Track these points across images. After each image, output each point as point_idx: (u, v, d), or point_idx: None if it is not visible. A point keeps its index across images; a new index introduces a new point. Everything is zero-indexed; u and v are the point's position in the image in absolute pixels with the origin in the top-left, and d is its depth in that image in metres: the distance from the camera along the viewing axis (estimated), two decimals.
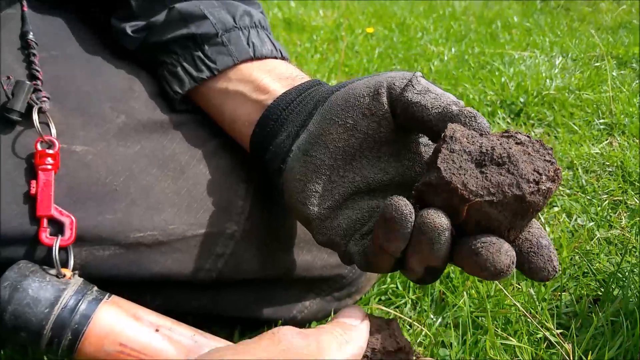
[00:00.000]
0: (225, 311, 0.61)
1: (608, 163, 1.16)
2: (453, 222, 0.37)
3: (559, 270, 0.37)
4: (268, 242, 0.58)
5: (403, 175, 0.46)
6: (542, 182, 0.35)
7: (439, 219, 0.36)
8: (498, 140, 0.37)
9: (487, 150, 0.36)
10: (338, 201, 0.46)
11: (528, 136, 0.38)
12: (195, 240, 0.54)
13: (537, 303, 0.72)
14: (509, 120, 1.43)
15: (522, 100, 1.51)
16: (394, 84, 0.43)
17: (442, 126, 0.40)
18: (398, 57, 1.94)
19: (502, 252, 0.35)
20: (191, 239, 0.53)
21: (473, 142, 0.37)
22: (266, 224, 0.58)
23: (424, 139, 0.47)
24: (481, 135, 0.38)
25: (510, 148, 0.36)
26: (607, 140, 1.32)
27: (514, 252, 0.36)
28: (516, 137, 0.38)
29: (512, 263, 0.36)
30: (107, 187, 0.51)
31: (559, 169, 0.35)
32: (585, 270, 0.80)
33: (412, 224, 0.37)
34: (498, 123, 1.40)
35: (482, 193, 0.35)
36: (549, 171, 0.35)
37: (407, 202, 0.37)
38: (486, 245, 0.35)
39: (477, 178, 0.35)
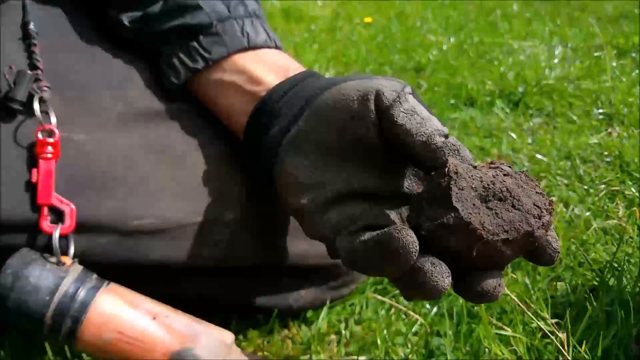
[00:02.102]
0: (221, 298, 0.62)
1: (606, 153, 1.16)
2: (460, 261, 0.37)
3: (560, 250, 0.38)
4: (265, 230, 0.59)
5: (396, 185, 0.46)
6: (544, 215, 0.36)
7: (442, 281, 0.36)
8: (490, 171, 0.38)
9: (488, 185, 0.37)
10: (330, 198, 0.45)
11: (510, 166, 0.39)
12: (192, 227, 0.54)
13: (532, 292, 0.72)
14: (507, 110, 1.43)
15: (521, 90, 1.51)
16: (384, 94, 0.43)
17: (424, 156, 0.40)
18: (396, 47, 1.94)
19: (500, 287, 0.37)
20: (189, 226, 0.54)
21: (472, 176, 0.37)
22: (263, 212, 0.59)
23: None
24: (474, 167, 0.38)
25: (504, 181, 0.37)
26: (606, 130, 1.32)
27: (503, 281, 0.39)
28: (502, 169, 0.38)
29: (503, 289, 0.38)
30: (106, 175, 0.51)
31: (552, 200, 0.36)
32: (582, 260, 0.80)
33: (415, 260, 0.36)
34: (497, 113, 1.40)
35: (497, 232, 0.35)
36: (545, 204, 0.36)
37: (414, 237, 0.35)
38: (486, 286, 0.37)
39: (489, 216, 0.36)
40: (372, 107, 0.43)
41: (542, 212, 0.36)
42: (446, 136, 0.41)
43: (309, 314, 0.70)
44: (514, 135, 1.27)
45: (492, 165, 0.39)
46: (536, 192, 0.37)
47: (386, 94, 0.43)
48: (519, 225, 0.35)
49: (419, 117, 0.41)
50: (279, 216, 0.60)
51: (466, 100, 1.49)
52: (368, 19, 2.37)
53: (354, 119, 0.44)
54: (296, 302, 0.66)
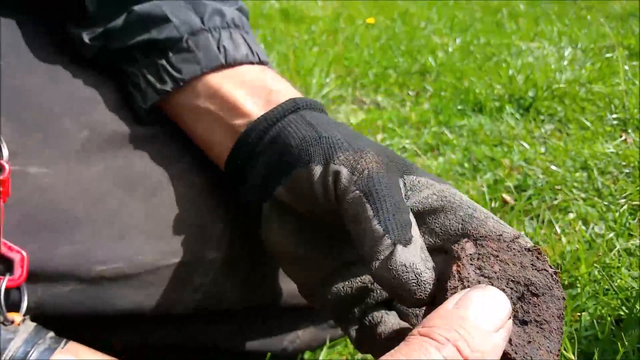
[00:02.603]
0: (207, 345, 0.55)
1: (624, 163, 1.09)
2: None
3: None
4: (253, 269, 0.52)
5: None
6: (553, 275, 0.31)
7: None
8: (479, 275, 0.32)
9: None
10: (324, 271, 0.42)
11: (473, 242, 0.33)
12: (168, 270, 0.47)
13: None
14: (517, 115, 1.36)
15: (531, 94, 1.44)
16: (340, 178, 0.37)
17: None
18: (400, 49, 1.87)
19: None
20: (164, 269, 0.47)
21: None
22: (250, 249, 0.52)
23: None
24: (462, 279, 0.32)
25: (495, 272, 0.31)
26: (621, 137, 1.25)
27: None
28: (469, 257, 0.32)
29: None
30: (66, 214, 0.44)
31: (538, 247, 0.32)
32: (606, 287, 0.73)
33: None
34: (506, 119, 1.33)
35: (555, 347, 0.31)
36: (542, 262, 0.32)
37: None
38: None
39: (537, 333, 0.30)
40: (333, 197, 0.38)
41: (552, 275, 0.31)
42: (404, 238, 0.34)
43: (307, 355, 0.63)
44: (525, 144, 1.19)
45: (460, 263, 0.32)
46: (523, 254, 0.32)
47: (342, 180, 0.37)
48: (556, 314, 0.30)
49: (362, 226, 0.35)
50: (268, 253, 0.53)
51: (474, 105, 1.42)
52: (370, 20, 2.30)
53: (325, 210, 0.40)
54: (292, 344, 0.59)
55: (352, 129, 0.44)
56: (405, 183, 0.38)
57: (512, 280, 0.31)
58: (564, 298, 0.30)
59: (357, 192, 0.36)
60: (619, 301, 0.71)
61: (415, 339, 0.27)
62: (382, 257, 0.33)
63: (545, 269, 0.31)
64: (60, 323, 0.44)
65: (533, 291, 0.30)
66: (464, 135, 1.26)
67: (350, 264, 0.42)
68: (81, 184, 0.45)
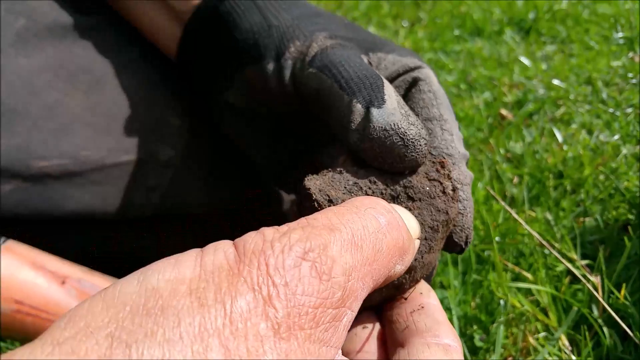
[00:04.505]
0: (164, 253, 0.50)
1: (631, 75, 1.03)
2: None
3: (470, 239, 0.30)
4: (214, 170, 0.47)
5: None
6: (445, 188, 0.28)
7: None
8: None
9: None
10: (286, 159, 0.42)
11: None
12: (118, 169, 0.42)
13: (555, 230, 0.60)
14: (518, 38, 1.29)
15: (531, 16, 1.37)
16: (295, 70, 0.34)
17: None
18: None
19: None
20: (113, 168, 0.42)
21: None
22: (211, 148, 0.47)
23: None
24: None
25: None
26: (628, 55, 1.18)
27: None
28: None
29: None
30: (3, 107, 0.39)
31: (443, 160, 0.29)
32: (612, 192, 0.68)
33: None
34: (506, 42, 1.26)
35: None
36: (440, 174, 0.29)
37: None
38: None
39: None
40: (291, 85, 0.34)
41: (442, 184, 0.28)
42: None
43: None
44: (526, 60, 1.13)
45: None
46: (425, 162, 0.29)
47: (297, 64, 0.34)
48: (430, 221, 0.28)
49: (325, 102, 0.31)
50: (231, 153, 0.48)
51: (472, 30, 1.35)
52: None
53: (280, 103, 0.37)
54: None
55: (308, 3, 0.39)
56: (370, 62, 0.34)
57: (391, 180, 0.28)
58: (446, 212, 0.28)
59: (311, 69, 0.32)
60: (627, 205, 0.65)
61: None
62: (358, 127, 0.28)
63: (437, 180, 0.28)
64: (2, 227, 0.39)
65: (410, 194, 0.28)
66: (461, 59, 1.20)
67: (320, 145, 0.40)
68: (18, 76, 0.40)
